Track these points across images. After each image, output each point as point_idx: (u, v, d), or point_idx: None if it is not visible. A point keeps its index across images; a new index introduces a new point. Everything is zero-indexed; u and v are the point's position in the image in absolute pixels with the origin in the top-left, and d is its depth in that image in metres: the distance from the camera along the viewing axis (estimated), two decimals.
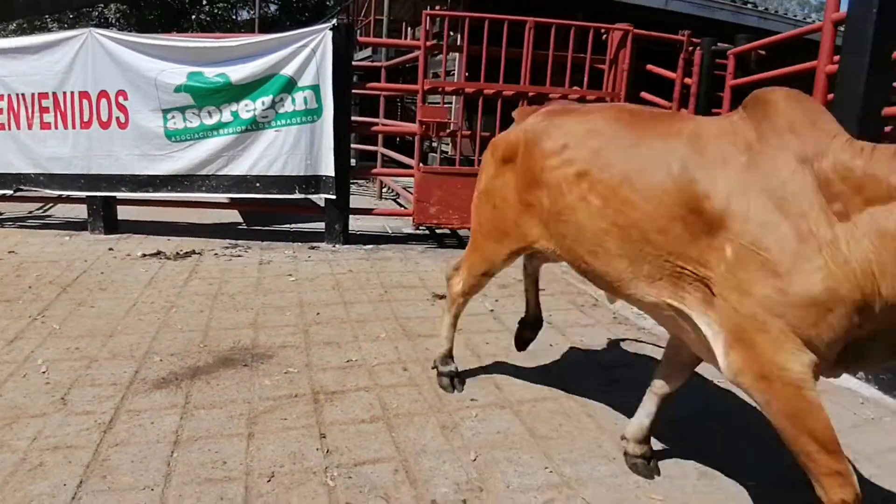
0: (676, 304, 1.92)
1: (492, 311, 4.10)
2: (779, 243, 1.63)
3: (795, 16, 9.78)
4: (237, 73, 5.17)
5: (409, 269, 4.92)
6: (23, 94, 5.66)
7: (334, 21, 5.25)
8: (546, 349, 3.51)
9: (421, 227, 6.03)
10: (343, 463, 2.28)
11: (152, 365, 3.01)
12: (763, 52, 5.70)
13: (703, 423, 2.76)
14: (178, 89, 5.23)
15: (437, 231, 6.20)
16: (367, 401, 2.75)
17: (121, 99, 5.42)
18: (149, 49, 5.32)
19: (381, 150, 8.23)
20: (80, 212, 5.95)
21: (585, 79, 5.75)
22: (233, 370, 2.97)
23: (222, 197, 5.72)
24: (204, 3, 22.16)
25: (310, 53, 5.20)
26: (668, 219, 1.86)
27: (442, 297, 4.25)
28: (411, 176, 6.13)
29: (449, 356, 2.99)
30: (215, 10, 22.88)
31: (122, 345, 3.25)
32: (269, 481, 2.15)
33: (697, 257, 1.81)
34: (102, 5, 19.54)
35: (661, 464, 2.41)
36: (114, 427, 2.47)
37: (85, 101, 5.52)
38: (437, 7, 8.28)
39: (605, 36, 5.82)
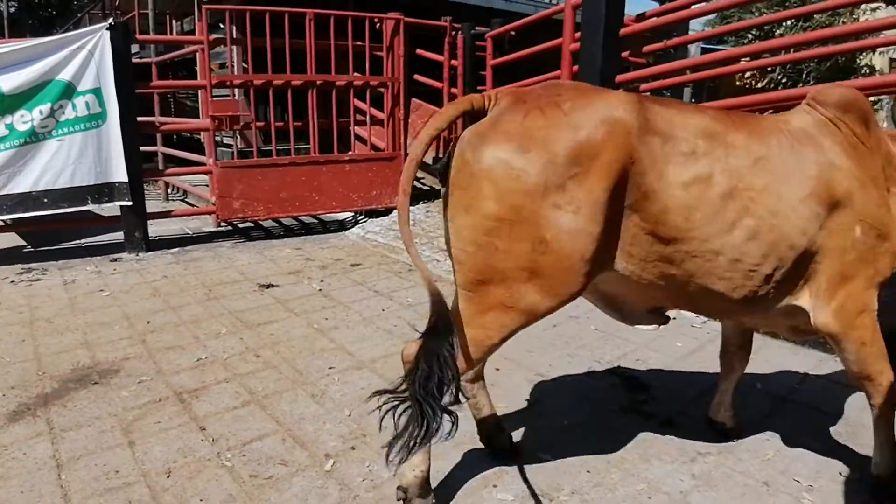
0: (795, 301, 2.09)
1: (320, 290, 4.40)
2: (886, 217, 2.05)
3: None
4: (8, 82, 4.73)
5: (225, 266, 5.00)
6: None
7: (110, 20, 5.02)
8: (380, 314, 3.93)
9: (223, 224, 6.04)
10: (232, 446, 2.50)
11: None
12: (513, 33, 6.54)
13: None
14: None
15: (241, 226, 6.24)
16: (232, 390, 2.95)
17: None
18: None
19: (161, 149, 7.89)
20: None
21: (367, 66, 6.15)
22: (84, 390, 2.96)
23: None
24: None
25: (87, 55, 4.93)
26: (809, 220, 1.95)
27: (267, 286, 4.44)
28: (204, 173, 6.09)
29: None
30: None
31: None
32: (168, 476, 2.30)
33: (818, 246, 2.00)
34: None
35: (497, 380, 2.98)
36: None
37: None
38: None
39: (378, 25, 6.25)
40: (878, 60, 12.27)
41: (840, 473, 2.35)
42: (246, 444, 2.51)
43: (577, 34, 4.96)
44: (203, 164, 6.22)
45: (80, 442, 2.54)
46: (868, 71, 12.17)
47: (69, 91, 4.97)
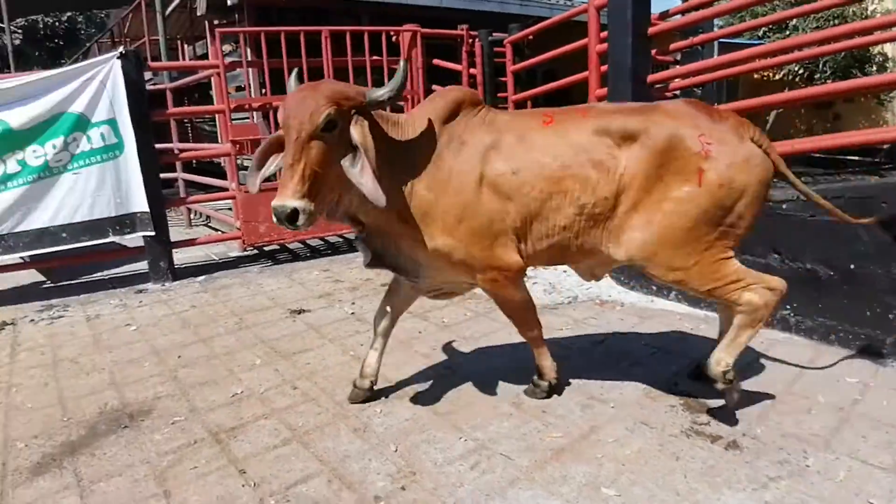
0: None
1: (352, 313, 4.21)
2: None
3: (550, 0, 10.80)
4: (17, 117, 4.63)
5: (254, 292, 4.83)
6: None
7: (121, 48, 4.91)
8: (416, 336, 3.72)
9: (248, 248, 5.91)
10: (275, 490, 2.29)
11: (18, 453, 2.70)
12: (531, 37, 6.35)
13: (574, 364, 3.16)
14: None
15: (266, 248, 6.09)
16: (271, 427, 2.76)
17: None
18: None
19: (182, 175, 7.79)
20: None
21: (385, 80, 5.99)
22: (114, 435, 2.78)
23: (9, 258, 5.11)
24: None
25: (99, 85, 4.82)
26: None
27: (299, 311, 4.26)
28: (228, 199, 5.97)
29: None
30: None
31: None
32: None
33: None
34: None
35: (548, 406, 2.77)
36: None
37: None
38: (223, 23, 8.00)
39: (395, 38, 6.10)
40: (890, 49, 12.10)
41: None
42: (290, 487, 2.31)
43: (602, 35, 4.81)
44: (225, 189, 6.09)
45: (112, 494, 2.35)
46: (881, 59, 12.07)
47: (82, 123, 4.86)
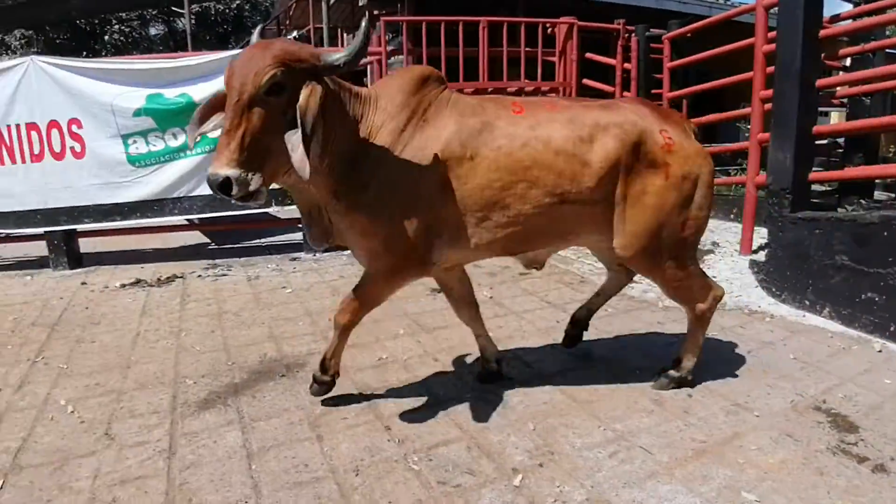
0: None
1: (491, 297, 4.28)
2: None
3: None
4: (200, 91, 5.12)
5: None
6: None
7: (294, 34, 5.29)
8: (554, 325, 3.73)
9: None
10: (418, 448, 2.41)
11: (187, 388, 3.02)
12: (689, 35, 6.12)
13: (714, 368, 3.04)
14: (137, 113, 5.13)
15: None
16: (414, 392, 2.88)
17: (74, 127, 5.26)
18: (101, 74, 5.18)
19: None
20: (33, 249, 5.73)
21: (539, 71, 6.02)
22: (272, 382, 3.03)
23: (179, 219, 5.65)
24: (114, 22, 21.25)
25: None
26: None
27: (439, 290, 4.38)
28: None
29: None
30: (127, 29, 21.99)
31: (145, 374, 3.23)
32: (357, 475, 2.25)
33: None
34: (2, 34, 18.48)
35: (691, 408, 2.68)
36: (177, 452, 2.49)
37: (33, 133, 5.32)
38: (383, 13, 8.39)
39: (550, 30, 6.11)
40: None
41: None
42: (431, 447, 2.41)
43: (770, 35, 4.59)
44: None
45: (270, 433, 2.57)
46: None
47: None
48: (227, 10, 22.79)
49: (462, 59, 5.64)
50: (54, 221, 5.39)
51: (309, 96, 2.06)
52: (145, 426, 2.71)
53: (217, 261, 5.39)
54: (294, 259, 5.39)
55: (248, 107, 2.03)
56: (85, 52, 19.03)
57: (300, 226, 5.72)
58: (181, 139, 5.18)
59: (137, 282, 4.93)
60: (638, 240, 2.55)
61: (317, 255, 5.48)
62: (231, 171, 2.00)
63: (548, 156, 2.42)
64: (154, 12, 21.96)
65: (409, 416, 2.65)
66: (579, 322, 3.24)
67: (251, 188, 2.05)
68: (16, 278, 5.28)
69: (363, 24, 2.17)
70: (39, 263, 5.60)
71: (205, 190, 5.27)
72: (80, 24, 20.54)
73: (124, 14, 20.99)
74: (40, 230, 5.42)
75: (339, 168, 2.33)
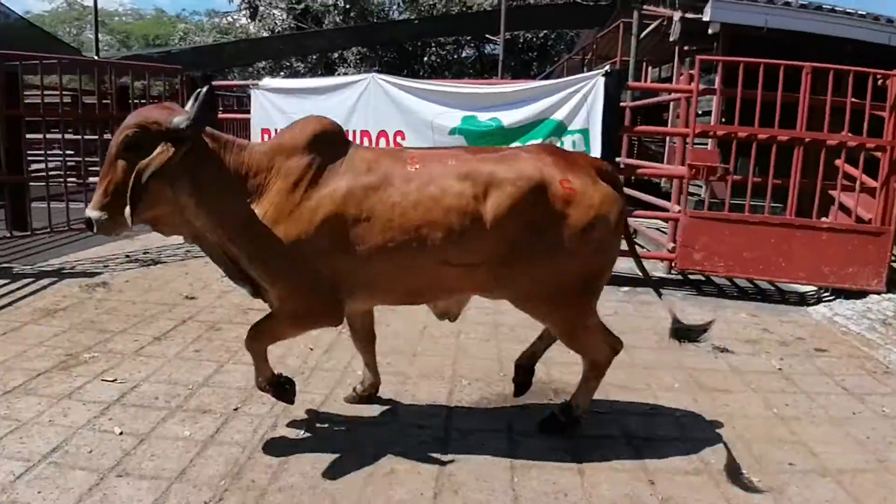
0: None
1: (780, 369, 3.87)
2: None
3: None
4: (509, 117, 5.47)
5: None
6: None
7: (607, 67, 5.38)
8: (849, 417, 3.26)
9: (674, 272, 5.92)
10: None
11: (462, 388, 3.24)
12: None
13: None
14: (452, 132, 5.65)
15: (692, 277, 6.00)
16: (684, 451, 2.74)
17: (398, 139, 5.97)
18: (426, 94, 5.81)
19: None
20: None
21: (865, 126, 5.29)
22: (540, 402, 3.10)
23: None
24: (433, 45, 23.83)
25: (581, 99, 5.36)
26: None
27: (722, 349, 4.10)
28: (667, 219, 6.05)
29: None
30: (443, 52, 24.50)
31: (428, 365, 3.54)
32: None
33: None
34: (343, 49, 21.81)
35: None
36: (449, 444, 2.69)
37: (365, 139, 6.15)
38: (694, 50, 8.14)
39: (882, 82, 5.34)
40: None
41: None
42: None
43: None
44: (664, 209, 6.18)
45: (534, 452, 2.64)
46: None
47: (560, 129, 5.45)
48: (535, 39, 23.95)
49: (779, 105, 5.18)
50: None
51: (156, 156, 2.28)
52: (424, 413, 2.98)
53: None
54: None
55: (115, 160, 2.34)
56: (406, 71, 21.53)
57: None
58: None
59: None
60: (532, 291, 2.56)
61: None
62: (93, 213, 2.35)
63: (438, 214, 2.41)
64: (468, 38, 24.02)
65: (674, 477, 2.52)
66: (525, 370, 3.12)
67: (110, 226, 2.37)
68: None
69: (201, 92, 2.35)
70: None
71: None
72: (405, 46, 23.34)
73: (442, 39, 23.33)
74: None
75: (232, 223, 2.44)
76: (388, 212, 2.42)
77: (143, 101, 7.47)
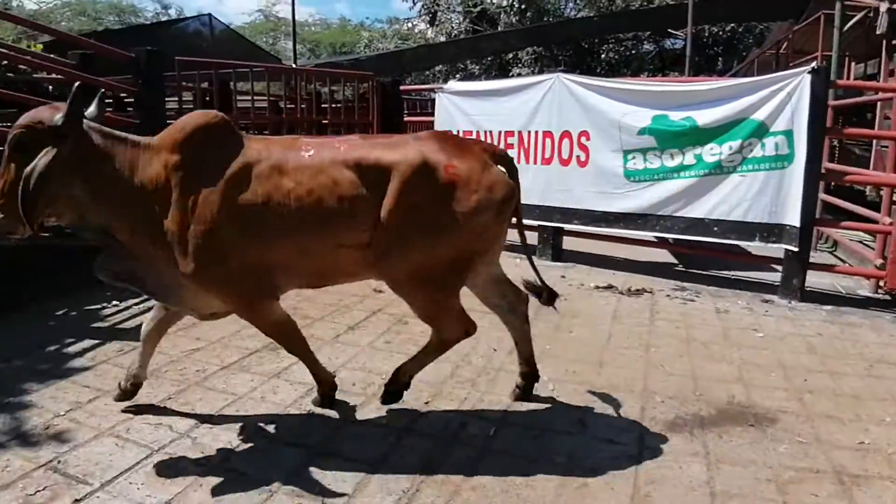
0: None
1: None
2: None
3: None
4: (704, 116, 5.19)
5: (885, 342, 4.30)
6: (490, 131, 6.55)
7: (814, 64, 4.93)
8: None
9: (881, 291, 5.30)
10: None
11: (655, 405, 3.15)
12: None
13: None
14: (641, 132, 5.47)
15: None
16: (894, 493, 2.45)
17: (583, 139, 5.89)
18: (613, 93, 5.67)
19: (822, 196, 7.45)
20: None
21: None
22: (740, 427, 2.94)
23: (650, 236, 5.84)
24: (610, 41, 23.23)
25: (784, 97, 4.95)
26: None
27: None
28: (876, 232, 5.44)
29: None
30: (621, 48, 23.82)
31: (616, 377, 3.47)
32: None
33: None
34: (517, 50, 21.93)
35: None
36: (643, 463, 2.62)
37: (547, 140, 6.15)
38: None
39: None
40: None
41: None
42: None
43: None
44: (872, 220, 5.55)
45: (735, 480, 2.51)
46: None
47: (761, 130, 5.06)
48: (721, 33, 22.51)
49: None
50: (549, 217, 6.17)
51: (41, 157, 2.29)
52: (614, 427, 2.94)
53: (685, 284, 5.42)
54: (766, 301, 5.06)
55: (7, 161, 2.36)
56: (580, 69, 21.17)
57: (774, 265, 5.39)
58: (677, 160, 5.34)
59: (609, 287, 5.31)
60: (407, 271, 2.62)
61: (791, 302, 5.05)
62: None
63: (332, 200, 2.52)
64: (648, 33, 23.07)
65: None
66: (530, 375, 3.17)
67: (10, 227, 2.38)
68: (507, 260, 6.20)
69: (74, 88, 2.34)
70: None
71: (690, 213, 5.34)
72: (581, 44, 22.93)
73: (621, 34, 22.59)
74: (536, 223, 6.23)
75: (132, 220, 2.49)
76: (284, 198, 2.53)
77: (335, 105, 8.08)
